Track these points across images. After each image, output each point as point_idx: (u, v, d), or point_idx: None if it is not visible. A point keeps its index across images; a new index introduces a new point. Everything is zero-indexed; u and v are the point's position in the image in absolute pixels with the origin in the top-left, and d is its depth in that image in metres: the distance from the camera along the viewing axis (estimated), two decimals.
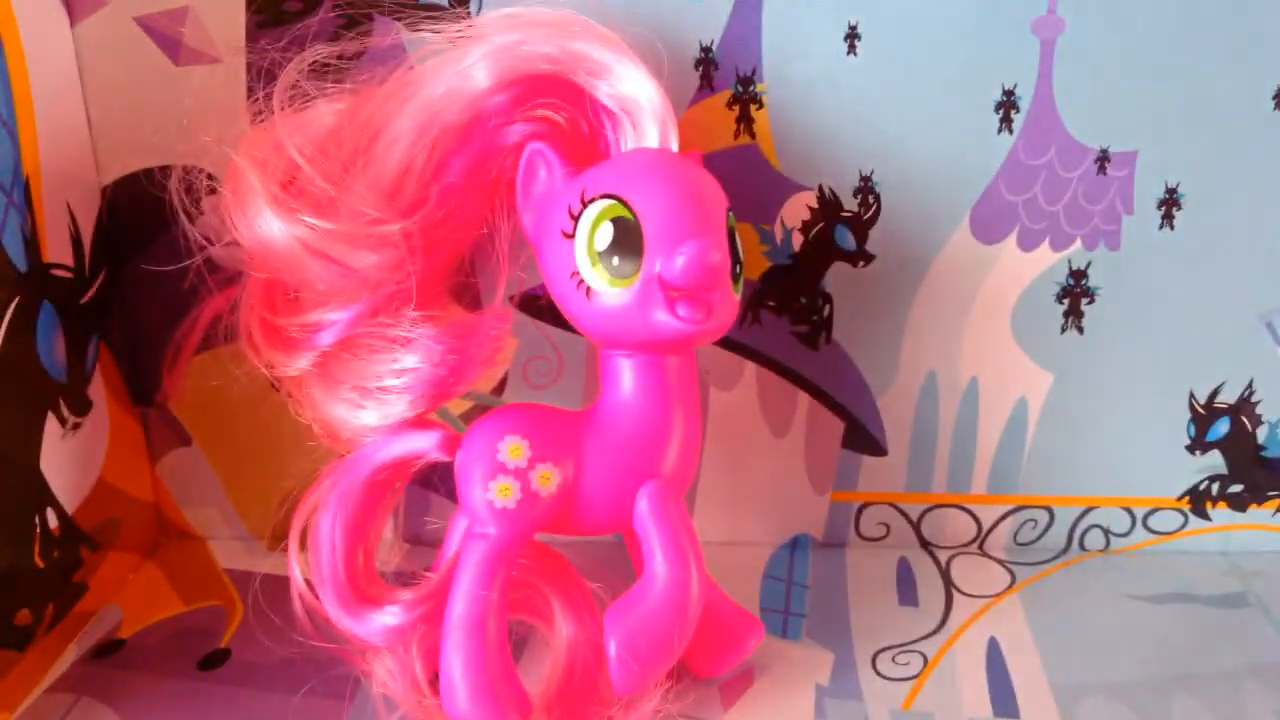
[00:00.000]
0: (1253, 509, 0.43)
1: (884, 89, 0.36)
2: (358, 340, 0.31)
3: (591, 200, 0.30)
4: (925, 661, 0.36)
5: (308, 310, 0.32)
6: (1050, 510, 0.43)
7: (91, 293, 0.38)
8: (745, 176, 0.37)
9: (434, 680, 0.32)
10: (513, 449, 0.31)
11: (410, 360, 0.30)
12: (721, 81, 0.36)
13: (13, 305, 0.33)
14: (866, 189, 0.38)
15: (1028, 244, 0.39)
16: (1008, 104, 0.37)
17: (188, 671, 0.36)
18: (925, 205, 0.38)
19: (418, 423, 0.32)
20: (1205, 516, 0.43)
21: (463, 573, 0.31)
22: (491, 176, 0.33)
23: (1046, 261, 0.39)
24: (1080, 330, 0.40)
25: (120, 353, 0.40)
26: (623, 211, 0.30)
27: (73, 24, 0.36)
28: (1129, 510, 0.43)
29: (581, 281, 0.30)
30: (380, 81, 0.33)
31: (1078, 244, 0.39)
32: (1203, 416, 0.41)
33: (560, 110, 0.33)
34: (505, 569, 0.31)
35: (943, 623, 0.39)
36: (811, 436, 0.41)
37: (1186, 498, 0.42)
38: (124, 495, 0.41)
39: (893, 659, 0.37)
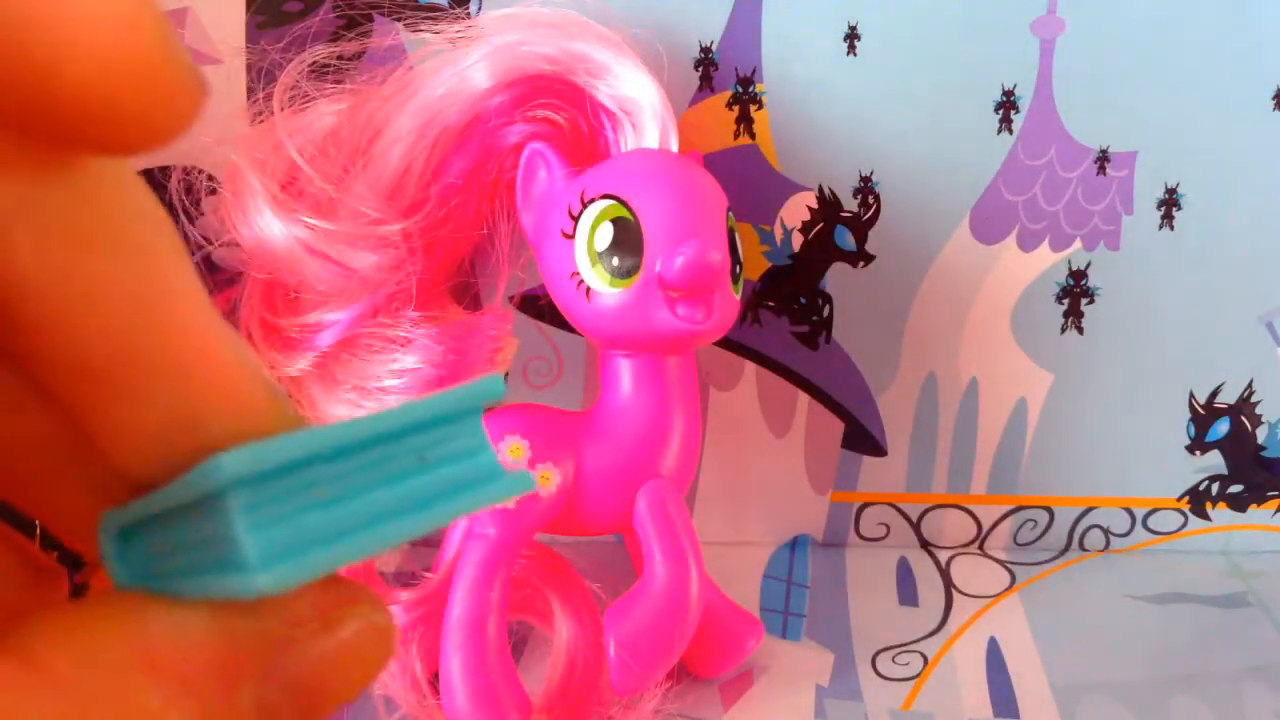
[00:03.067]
0: (1253, 509, 0.43)
1: (884, 89, 0.36)
2: (357, 340, 0.31)
3: (591, 201, 0.30)
4: (925, 662, 0.36)
5: (307, 310, 0.32)
6: (1050, 510, 0.43)
7: None
8: (745, 176, 0.37)
9: (434, 680, 0.32)
10: (512, 449, 0.31)
11: (410, 360, 0.30)
12: (721, 81, 0.36)
13: None
14: (866, 189, 0.38)
15: (1028, 244, 0.39)
16: (1008, 104, 0.37)
17: None
18: (925, 205, 0.38)
19: None
20: (1205, 516, 0.43)
21: (462, 573, 0.31)
22: (491, 177, 0.33)
23: (1046, 262, 0.39)
24: (1080, 330, 0.40)
25: None
26: (623, 212, 0.30)
27: None
28: (1129, 510, 0.43)
29: (581, 282, 0.30)
30: (380, 82, 0.33)
31: (1077, 244, 0.39)
32: (1202, 416, 0.41)
33: (560, 111, 0.33)
34: (505, 569, 0.31)
35: (943, 623, 0.39)
36: (811, 436, 0.41)
37: (1186, 498, 0.42)
38: None
39: (893, 659, 0.37)
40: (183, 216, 0.33)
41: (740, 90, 0.37)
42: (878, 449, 0.42)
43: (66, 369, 0.11)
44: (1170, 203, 0.38)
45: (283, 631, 0.12)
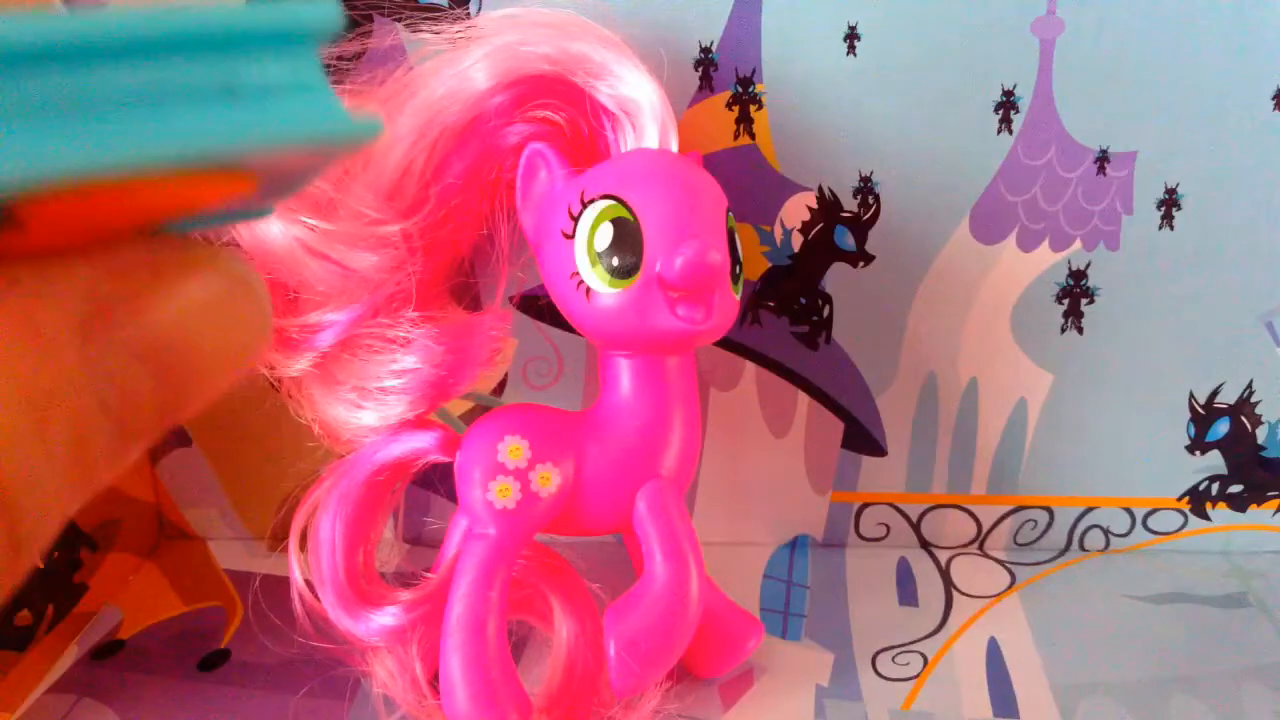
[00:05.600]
0: (1253, 509, 0.43)
1: (884, 89, 0.36)
2: (357, 341, 0.31)
3: (591, 201, 0.30)
4: (925, 662, 0.36)
5: (307, 311, 0.32)
6: (1050, 510, 0.43)
7: None
8: (745, 177, 0.37)
9: (434, 680, 0.32)
10: (512, 449, 0.31)
11: (410, 361, 0.30)
12: (721, 82, 0.36)
13: None
14: (866, 189, 0.38)
15: (1027, 244, 0.39)
16: (1007, 104, 0.37)
17: (188, 672, 0.36)
18: (925, 205, 0.38)
19: (417, 423, 0.32)
20: (1205, 517, 0.43)
21: (462, 573, 0.31)
22: (491, 177, 0.33)
23: (1046, 262, 0.39)
24: (1080, 330, 0.40)
25: None
26: (622, 212, 0.30)
27: None
28: (1129, 510, 0.43)
29: (581, 282, 0.30)
30: (380, 82, 0.33)
31: (1077, 244, 0.39)
32: (1202, 417, 0.41)
33: (560, 111, 0.33)
34: (505, 569, 0.31)
35: (942, 623, 0.39)
36: (811, 436, 0.41)
37: (1186, 498, 0.42)
38: (124, 495, 0.41)
39: (893, 659, 0.37)
40: None
41: (740, 90, 0.37)
42: (878, 449, 0.42)
43: None
44: (1170, 203, 0.38)
45: (107, 287, 0.10)
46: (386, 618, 0.32)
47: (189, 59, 0.09)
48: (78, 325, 0.10)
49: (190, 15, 0.09)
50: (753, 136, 0.37)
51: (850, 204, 0.38)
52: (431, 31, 0.33)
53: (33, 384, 0.10)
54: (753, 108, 0.37)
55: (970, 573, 0.42)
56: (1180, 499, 0.42)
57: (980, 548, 0.44)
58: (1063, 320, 0.40)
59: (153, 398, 0.11)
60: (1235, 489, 0.42)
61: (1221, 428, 0.41)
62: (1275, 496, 0.43)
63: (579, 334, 0.32)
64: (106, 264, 0.11)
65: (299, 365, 0.32)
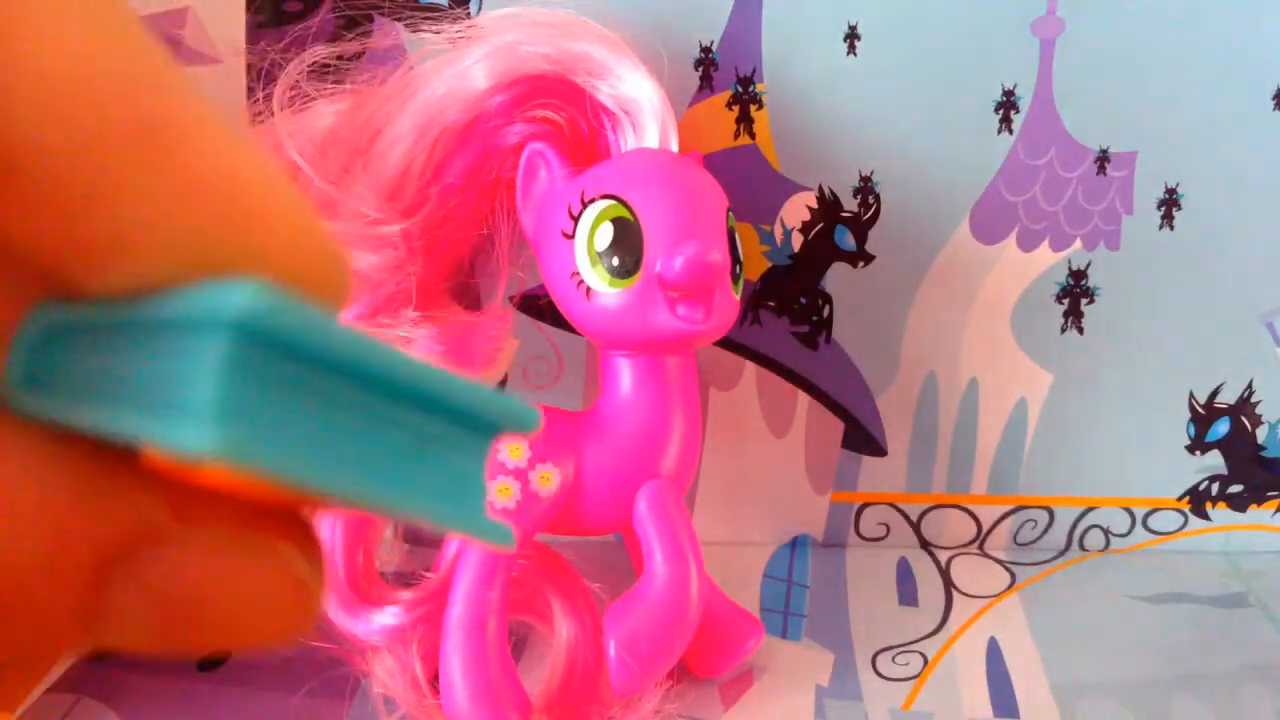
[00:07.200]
0: (1252, 509, 0.43)
1: (884, 89, 0.36)
2: None
3: (591, 201, 0.30)
4: (925, 662, 0.36)
5: None
6: (1050, 510, 0.43)
7: None
8: (745, 176, 0.37)
9: (434, 680, 0.32)
10: (513, 449, 0.31)
11: None
12: (721, 81, 0.36)
13: None
14: (866, 189, 0.38)
15: (1027, 244, 0.39)
16: (1008, 104, 0.37)
17: (187, 672, 0.36)
18: (925, 205, 0.38)
19: None
20: (1205, 517, 0.43)
21: (463, 573, 0.31)
22: (491, 177, 0.33)
23: (1046, 262, 0.39)
24: (1080, 330, 0.40)
25: None
26: (622, 212, 0.30)
27: None
28: (1129, 510, 0.43)
29: (581, 282, 0.30)
30: (380, 82, 0.33)
31: (1077, 244, 0.39)
32: (1202, 417, 0.41)
33: (560, 111, 0.33)
34: (505, 569, 0.31)
35: (943, 623, 0.39)
36: (811, 436, 0.41)
37: (1186, 498, 0.42)
38: None
39: (893, 659, 0.37)
40: None
41: (740, 90, 0.37)
42: (878, 449, 0.42)
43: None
44: (1170, 203, 0.38)
45: (160, 522, 0.10)
46: (386, 618, 0.32)
47: (405, 406, 0.10)
48: (96, 561, 0.09)
49: (431, 378, 0.10)
50: (753, 136, 0.37)
51: (850, 204, 0.38)
52: (431, 31, 0.33)
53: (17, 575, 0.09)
54: (753, 107, 0.37)
55: (970, 573, 0.42)
56: (1180, 499, 0.42)
57: (980, 548, 0.44)
58: (1063, 320, 0.40)
59: (147, 639, 0.10)
60: (1235, 489, 0.42)
61: (1221, 428, 0.41)
62: (1275, 496, 0.43)
63: (579, 334, 0.32)
64: (162, 492, 0.10)
65: None
